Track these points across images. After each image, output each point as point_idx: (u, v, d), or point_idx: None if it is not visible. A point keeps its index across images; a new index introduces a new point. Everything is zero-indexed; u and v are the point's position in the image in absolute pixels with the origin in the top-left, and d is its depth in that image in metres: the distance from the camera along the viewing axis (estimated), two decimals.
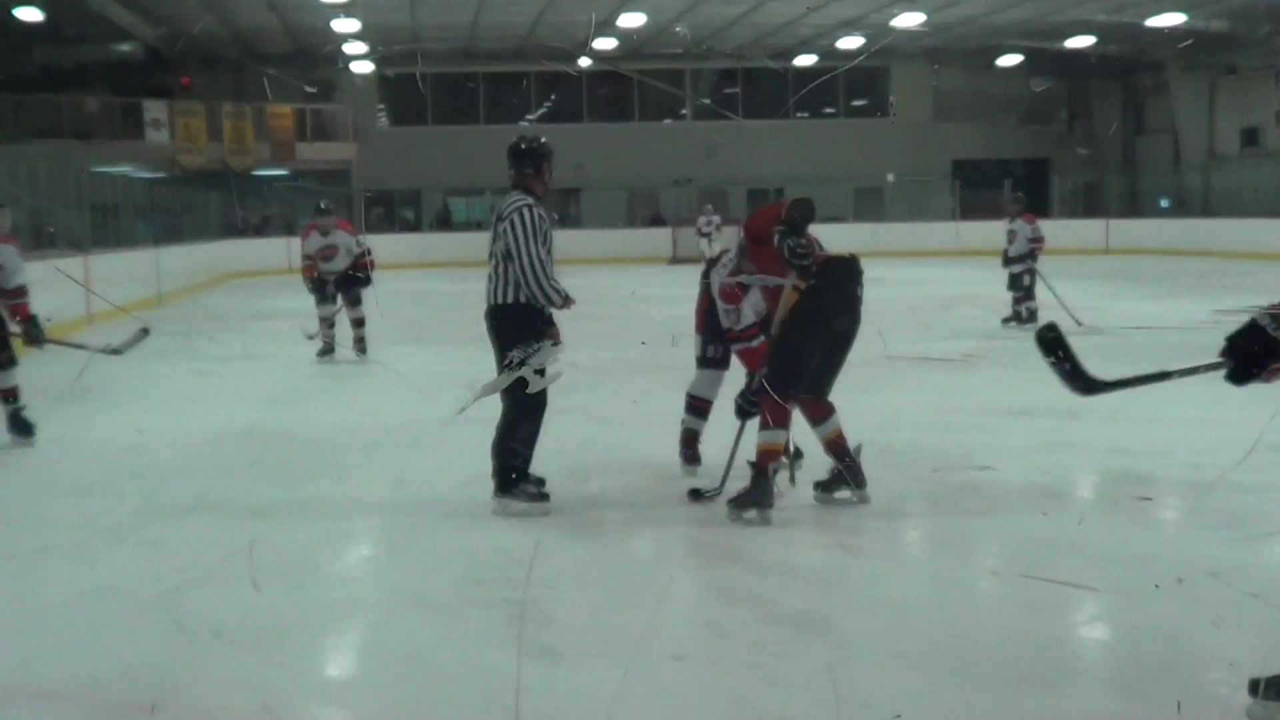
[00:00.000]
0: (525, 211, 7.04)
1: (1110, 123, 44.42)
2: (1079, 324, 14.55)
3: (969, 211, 38.59)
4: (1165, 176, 41.69)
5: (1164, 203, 40.84)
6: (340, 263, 14.31)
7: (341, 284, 14.35)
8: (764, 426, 6.90)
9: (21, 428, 9.54)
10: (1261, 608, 5.25)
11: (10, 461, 9.13)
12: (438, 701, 4.55)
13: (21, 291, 9.52)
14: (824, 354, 6.95)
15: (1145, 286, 24.03)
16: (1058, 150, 44.10)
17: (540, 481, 7.30)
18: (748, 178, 42.03)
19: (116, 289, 19.66)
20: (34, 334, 9.45)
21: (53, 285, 12.14)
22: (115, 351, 9.41)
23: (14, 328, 9.53)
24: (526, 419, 7.09)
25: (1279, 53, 35.20)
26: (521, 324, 7.08)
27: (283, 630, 5.25)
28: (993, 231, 26.23)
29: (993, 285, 15.89)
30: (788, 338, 6.86)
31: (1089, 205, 41.41)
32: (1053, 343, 4.57)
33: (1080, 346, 4.50)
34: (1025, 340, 13.52)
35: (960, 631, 5.21)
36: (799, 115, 44.33)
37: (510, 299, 7.08)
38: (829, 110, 44.85)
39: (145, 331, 9.53)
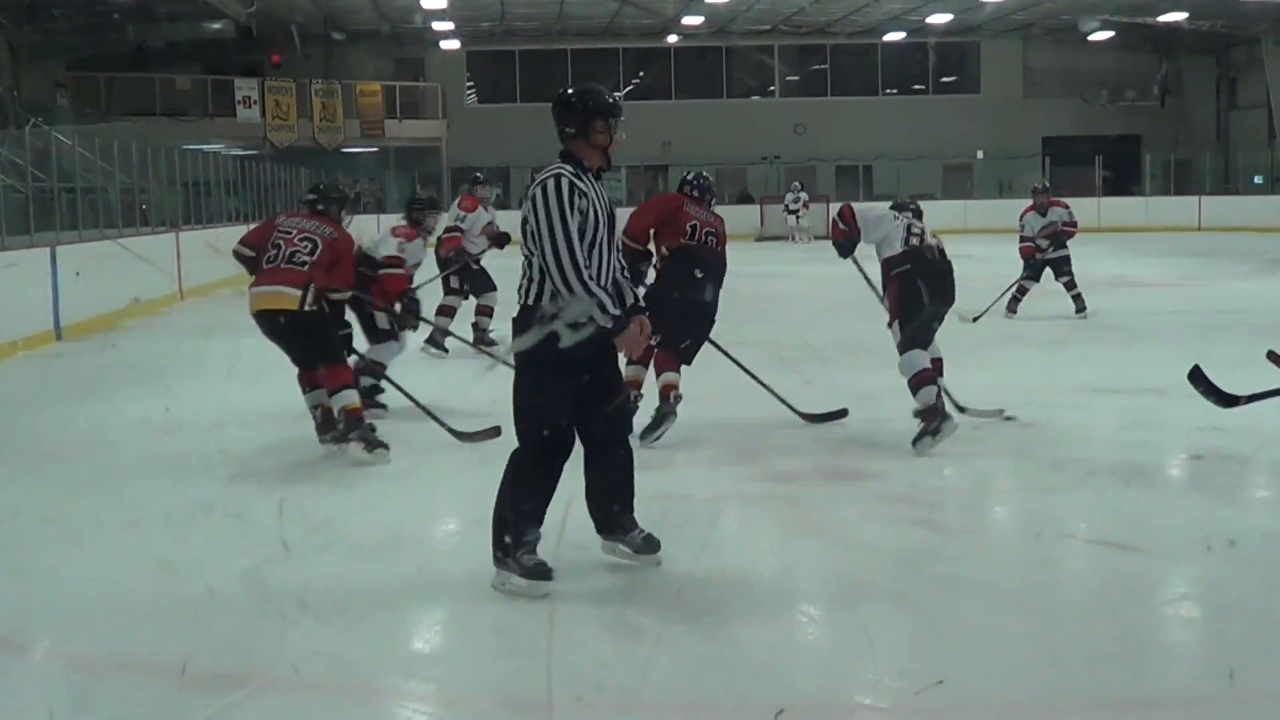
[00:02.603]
0: (551, 183, 5.28)
1: (1203, 99, 43.76)
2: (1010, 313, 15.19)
3: (1059, 188, 37.98)
4: (1259, 153, 40.95)
5: (1258, 179, 40.13)
6: (476, 245, 13.14)
7: (470, 275, 13.12)
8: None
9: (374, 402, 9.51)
10: None
11: (100, 439, 9.26)
12: (519, 675, 4.57)
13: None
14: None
15: (1236, 264, 23.64)
16: (1149, 127, 43.46)
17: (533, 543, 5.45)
18: (835, 154, 41.79)
19: (204, 266, 19.91)
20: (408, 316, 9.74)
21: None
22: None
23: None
24: (532, 470, 5.45)
25: None
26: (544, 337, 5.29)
27: (368, 604, 5.29)
28: (1084, 207, 25.97)
29: (1080, 262, 15.68)
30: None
31: (1180, 182, 40.80)
32: (1196, 375, 6.16)
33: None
34: (1105, 319, 13.37)
35: (1043, 610, 5.17)
36: (888, 92, 44.02)
37: (535, 298, 5.37)
38: (918, 87, 44.46)
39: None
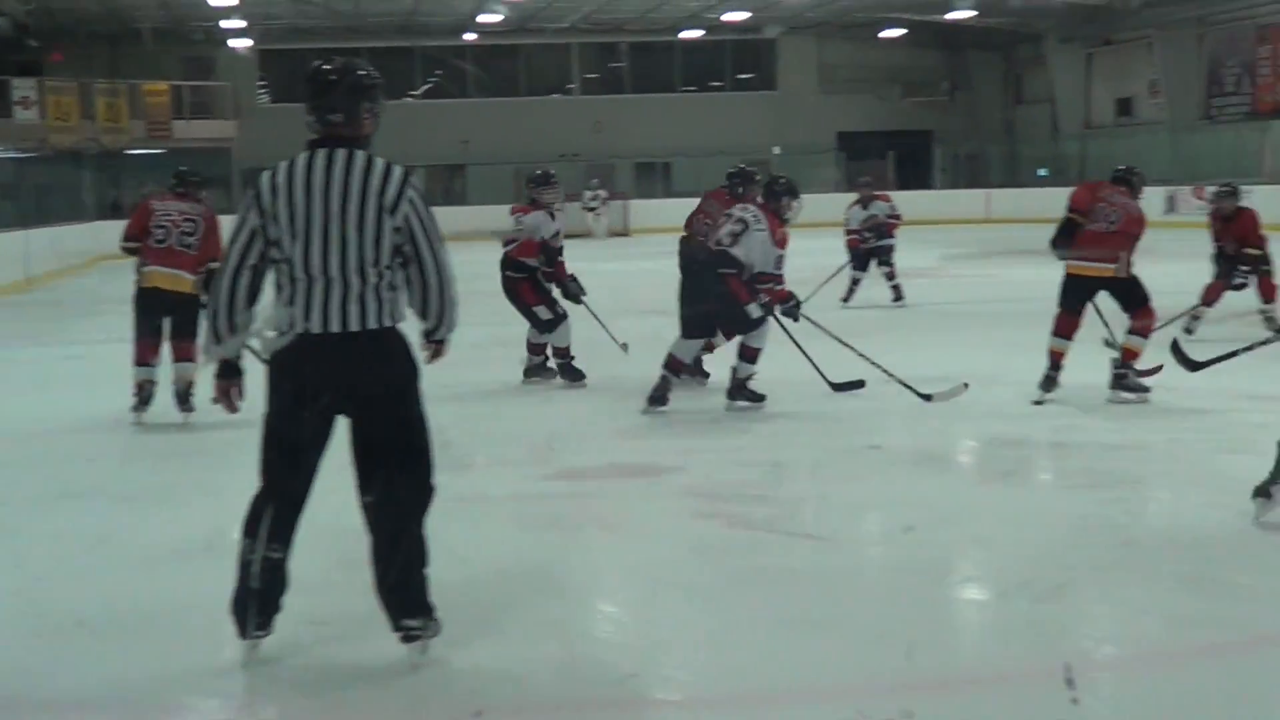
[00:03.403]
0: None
1: (991, 94, 44.92)
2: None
3: (854, 183, 38.79)
4: (1043, 146, 42.20)
5: (1042, 172, 41.27)
6: None
7: None
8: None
9: (573, 374, 10.37)
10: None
11: None
12: (304, 688, 4.42)
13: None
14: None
15: (1024, 254, 24.25)
16: (940, 121, 44.48)
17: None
18: (634, 152, 41.98)
19: None
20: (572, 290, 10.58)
21: None
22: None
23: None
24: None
25: (1151, 24, 35.69)
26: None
27: (146, 620, 5.08)
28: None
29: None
30: None
31: (970, 175, 41.80)
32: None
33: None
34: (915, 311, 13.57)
35: (844, 595, 5.19)
36: (685, 89, 44.36)
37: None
38: (715, 84, 44.88)
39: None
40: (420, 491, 4.51)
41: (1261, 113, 33.76)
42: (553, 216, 10.43)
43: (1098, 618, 5.01)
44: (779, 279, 9.02)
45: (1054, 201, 21.64)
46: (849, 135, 43.21)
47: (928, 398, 8.80)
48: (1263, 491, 5.95)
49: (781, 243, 9.04)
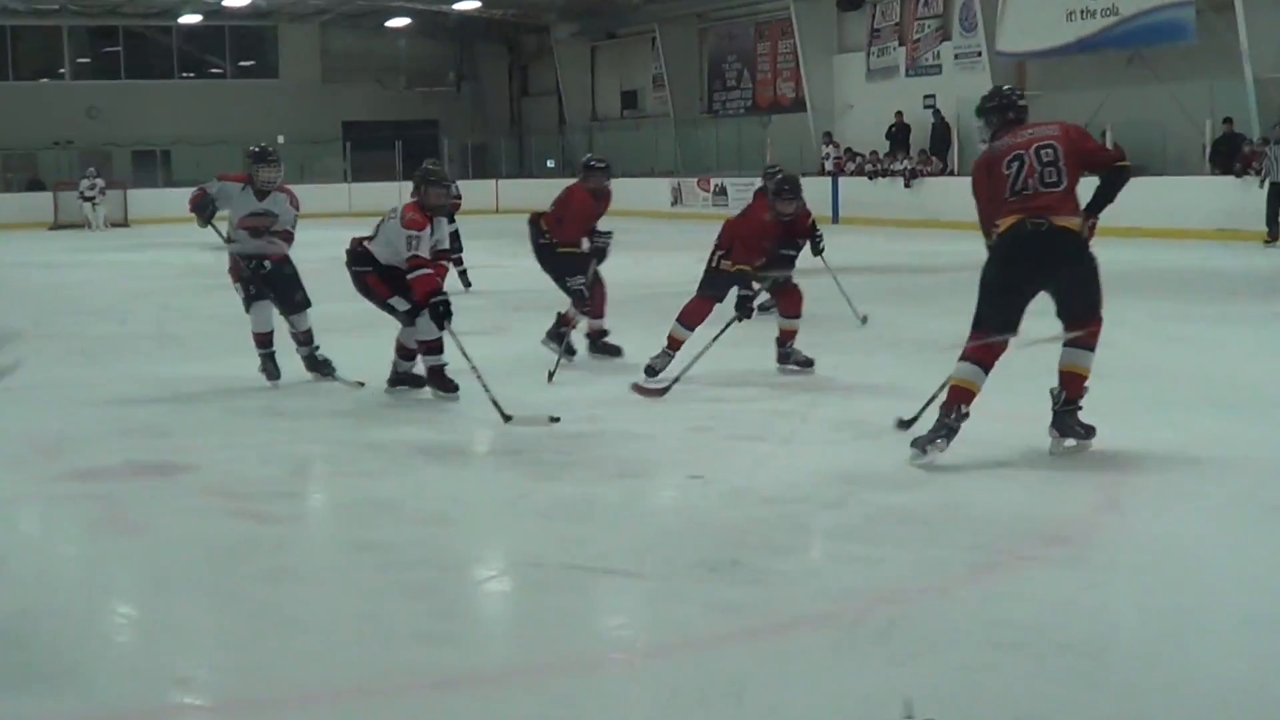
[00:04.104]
0: None
1: (498, 85, 45.54)
2: None
3: (360, 173, 38.65)
4: (551, 138, 43.13)
5: (550, 163, 42.17)
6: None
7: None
8: None
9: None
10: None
11: None
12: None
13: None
14: None
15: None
16: (447, 112, 44.74)
17: None
18: (132, 139, 40.29)
19: None
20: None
21: None
22: None
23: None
24: None
25: (654, 19, 36.97)
26: None
27: None
28: (386, 193, 26.38)
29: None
30: None
31: (479, 166, 42.24)
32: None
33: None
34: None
35: (369, 593, 5.13)
36: (185, 75, 42.99)
37: None
38: (216, 70, 43.67)
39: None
40: None
41: (761, 107, 35.51)
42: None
43: (634, 608, 5.08)
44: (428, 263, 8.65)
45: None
46: (355, 125, 42.83)
47: (509, 418, 7.95)
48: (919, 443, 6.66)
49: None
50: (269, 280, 9.30)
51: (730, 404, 8.73)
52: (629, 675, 4.37)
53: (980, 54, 27.55)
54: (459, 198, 15.34)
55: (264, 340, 9.46)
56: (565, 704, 4.10)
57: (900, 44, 30.57)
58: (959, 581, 5.19)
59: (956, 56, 28.77)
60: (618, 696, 4.20)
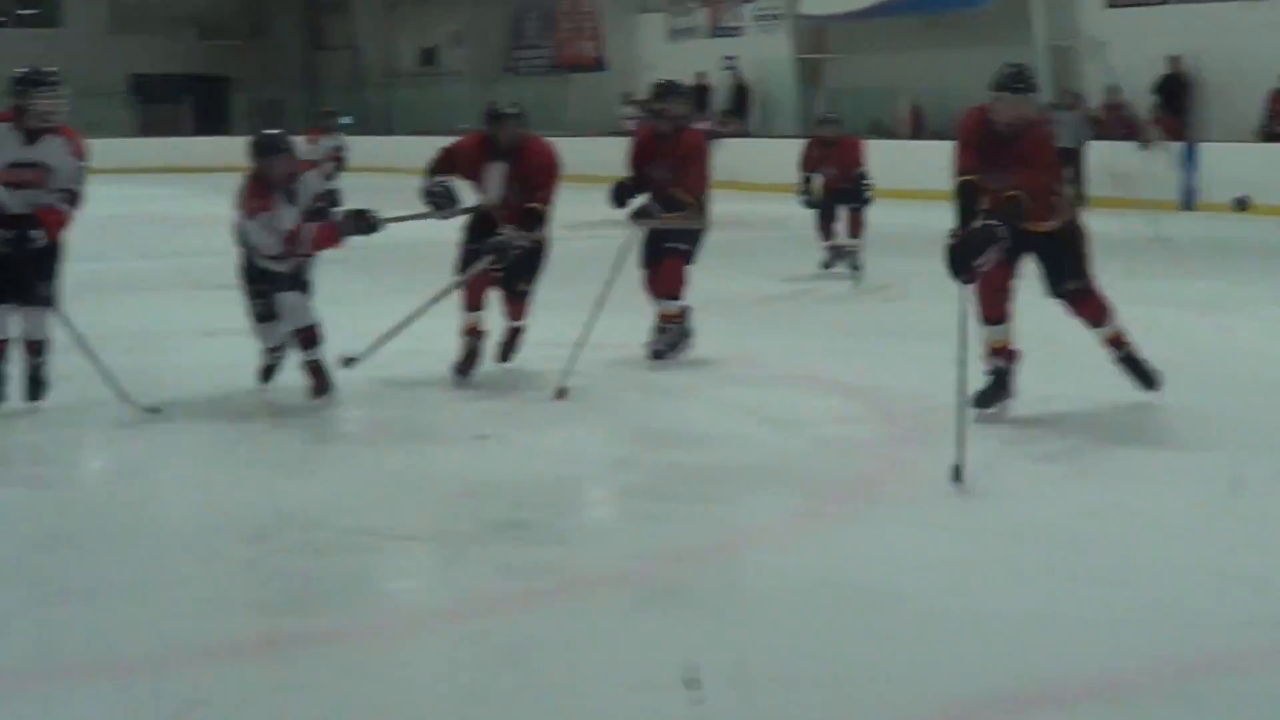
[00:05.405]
0: None
1: (291, 39, 44.64)
2: None
3: (150, 128, 37.62)
4: (346, 94, 42.42)
5: (345, 120, 41.53)
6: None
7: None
8: None
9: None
10: None
11: None
12: None
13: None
14: None
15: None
16: (238, 67, 43.67)
17: None
18: None
19: None
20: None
21: None
22: None
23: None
24: None
25: None
26: None
27: None
28: (174, 148, 25.70)
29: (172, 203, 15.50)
30: None
31: (272, 122, 41.37)
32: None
33: None
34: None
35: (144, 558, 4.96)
36: None
37: None
38: None
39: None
40: None
41: (563, 65, 35.23)
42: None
43: (418, 571, 5.02)
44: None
45: (358, 149, 21.81)
46: (143, 78, 41.52)
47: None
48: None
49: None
50: (13, 258, 6.90)
51: (519, 365, 8.42)
52: (413, 640, 4.29)
53: (780, 16, 27.72)
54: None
55: None
56: (349, 671, 4.00)
57: (703, 4, 30.60)
58: (749, 539, 5.21)
59: (758, 18, 28.90)
60: (401, 663, 4.11)
